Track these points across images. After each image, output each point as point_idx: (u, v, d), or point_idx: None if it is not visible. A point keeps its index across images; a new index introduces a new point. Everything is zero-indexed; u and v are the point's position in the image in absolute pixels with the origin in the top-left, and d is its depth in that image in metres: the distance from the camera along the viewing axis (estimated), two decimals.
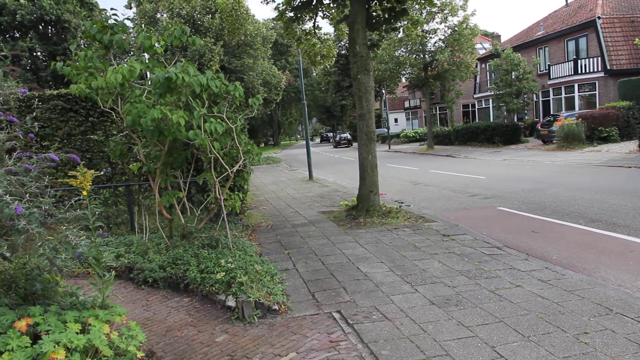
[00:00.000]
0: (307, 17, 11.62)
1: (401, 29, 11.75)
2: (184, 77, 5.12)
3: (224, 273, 5.20)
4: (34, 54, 33.36)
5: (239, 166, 6.36)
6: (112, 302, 3.54)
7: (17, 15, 30.88)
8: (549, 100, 31.86)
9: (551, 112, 30.32)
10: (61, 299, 3.32)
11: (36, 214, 2.87)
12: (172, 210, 7.00)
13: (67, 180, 3.52)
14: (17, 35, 32.90)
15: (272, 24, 47.34)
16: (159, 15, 36.01)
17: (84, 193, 3.48)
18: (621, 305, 4.32)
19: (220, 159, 6.05)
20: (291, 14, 11.30)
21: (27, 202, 2.93)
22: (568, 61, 29.66)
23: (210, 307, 5.04)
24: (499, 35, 51.30)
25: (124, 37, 5.61)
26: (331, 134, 75.23)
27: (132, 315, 4.72)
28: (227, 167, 6.21)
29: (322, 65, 13.65)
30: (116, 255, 6.24)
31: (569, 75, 29.26)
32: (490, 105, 37.29)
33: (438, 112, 50.34)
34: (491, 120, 36.17)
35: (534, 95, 32.91)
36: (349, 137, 54.50)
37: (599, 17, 27.70)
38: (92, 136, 8.49)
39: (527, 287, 4.93)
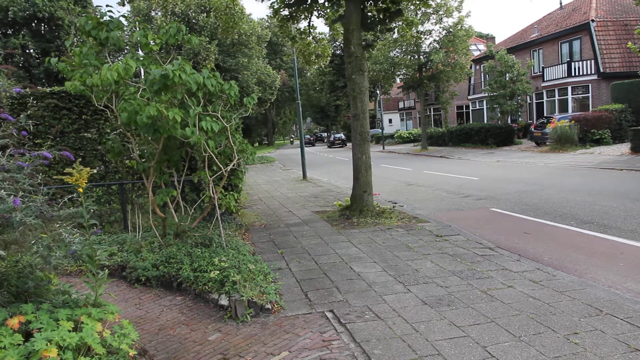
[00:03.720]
0: (302, 16, 11.62)
1: (396, 30, 11.79)
2: (181, 75, 5.12)
3: (217, 272, 5.20)
4: (27, 51, 33.12)
5: (233, 165, 6.37)
6: (105, 301, 3.54)
7: (10, 12, 30.63)
8: (543, 102, 32.06)
9: (544, 114, 30.51)
10: (53, 297, 3.31)
11: (32, 207, 2.87)
12: (165, 208, 6.99)
13: (63, 177, 3.51)
14: (10, 32, 32.64)
15: (267, 23, 47.21)
16: (153, 13, 35.84)
17: (80, 190, 3.47)
18: (611, 306, 4.37)
19: (214, 157, 6.05)
20: (286, 13, 11.30)
21: (21, 198, 2.92)
22: (562, 63, 29.87)
23: (203, 306, 5.04)
24: (494, 37, 51.53)
25: (118, 34, 5.59)
26: (325, 133, 75.18)
27: (124, 314, 4.70)
28: (221, 165, 6.21)
29: (317, 64, 13.65)
30: (109, 254, 6.22)
31: (562, 78, 29.47)
32: (485, 107, 37.48)
33: (432, 113, 50.43)
34: (485, 121, 36.33)
35: (528, 97, 33.11)
36: (344, 137, 54.51)
37: (592, 20, 27.93)
38: (85, 134, 8.44)
39: (519, 288, 4.97)
